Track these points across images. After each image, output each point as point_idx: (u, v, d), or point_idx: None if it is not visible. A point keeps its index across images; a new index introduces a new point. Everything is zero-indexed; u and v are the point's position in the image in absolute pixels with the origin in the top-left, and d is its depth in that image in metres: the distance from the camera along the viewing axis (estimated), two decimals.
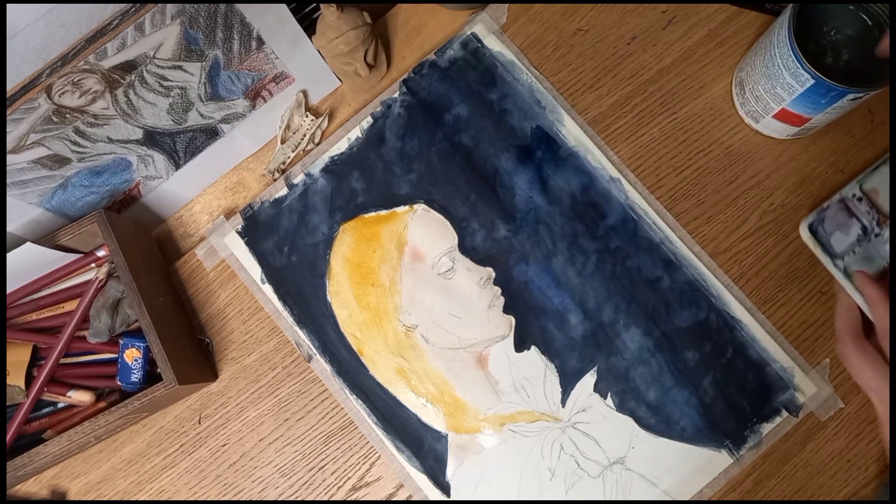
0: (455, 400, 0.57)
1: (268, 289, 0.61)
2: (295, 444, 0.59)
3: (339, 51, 0.57)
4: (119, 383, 0.55)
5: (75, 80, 0.46)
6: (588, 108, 0.61)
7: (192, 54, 0.51)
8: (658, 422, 0.56)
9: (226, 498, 0.59)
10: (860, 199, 0.55)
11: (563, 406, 0.56)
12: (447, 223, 0.60)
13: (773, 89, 0.54)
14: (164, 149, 0.58)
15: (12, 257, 0.53)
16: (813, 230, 0.55)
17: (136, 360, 0.55)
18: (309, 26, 0.58)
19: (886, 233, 0.54)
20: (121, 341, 0.55)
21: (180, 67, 0.52)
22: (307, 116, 0.63)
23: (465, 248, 0.59)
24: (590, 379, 0.57)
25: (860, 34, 0.53)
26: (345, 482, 0.58)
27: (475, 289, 0.59)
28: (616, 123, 0.61)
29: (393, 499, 0.57)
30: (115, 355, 0.57)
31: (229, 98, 0.58)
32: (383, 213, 0.61)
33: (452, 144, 0.61)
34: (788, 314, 0.57)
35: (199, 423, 0.60)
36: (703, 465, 0.55)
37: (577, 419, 0.56)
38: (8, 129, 0.47)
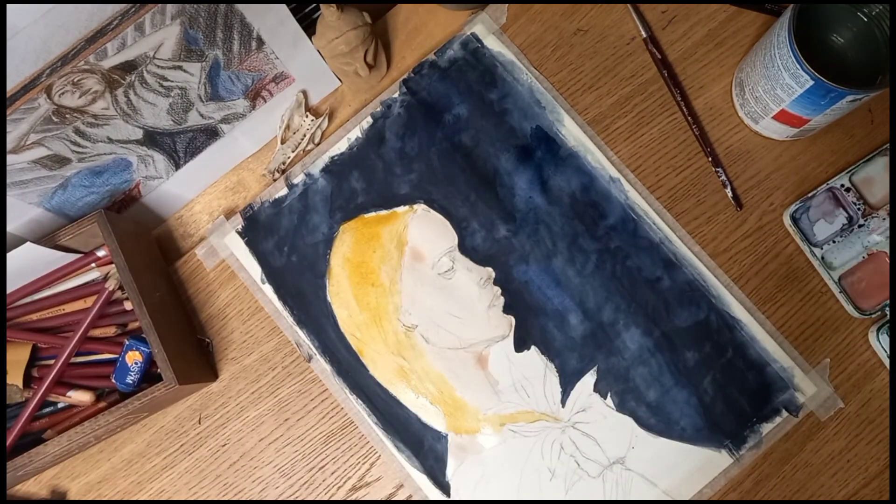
0: (455, 400, 0.57)
1: (268, 289, 0.61)
2: (295, 444, 0.59)
3: (339, 51, 0.57)
4: (114, 381, 0.55)
5: (75, 80, 0.46)
6: (588, 108, 0.61)
7: (192, 54, 0.51)
8: (658, 422, 0.56)
9: (226, 498, 0.59)
10: (848, 190, 0.57)
11: (563, 406, 0.56)
12: (447, 223, 0.60)
13: (773, 90, 0.54)
14: (164, 149, 0.58)
15: (12, 257, 0.53)
16: (796, 218, 0.57)
17: (136, 363, 0.55)
18: (309, 26, 0.58)
19: (871, 223, 0.56)
20: (126, 341, 0.55)
21: (180, 67, 0.52)
22: (307, 116, 0.62)
23: (465, 248, 0.59)
24: (590, 379, 0.57)
25: (860, 35, 0.53)
26: (345, 482, 0.58)
27: (475, 289, 0.59)
28: (616, 123, 0.61)
29: (393, 499, 0.58)
30: (117, 355, 0.57)
31: (229, 98, 0.58)
32: (383, 213, 0.61)
33: (452, 144, 0.61)
34: (788, 314, 0.57)
35: (199, 423, 0.60)
36: (703, 465, 0.55)
37: (577, 419, 0.56)
38: (8, 129, 0.47)
